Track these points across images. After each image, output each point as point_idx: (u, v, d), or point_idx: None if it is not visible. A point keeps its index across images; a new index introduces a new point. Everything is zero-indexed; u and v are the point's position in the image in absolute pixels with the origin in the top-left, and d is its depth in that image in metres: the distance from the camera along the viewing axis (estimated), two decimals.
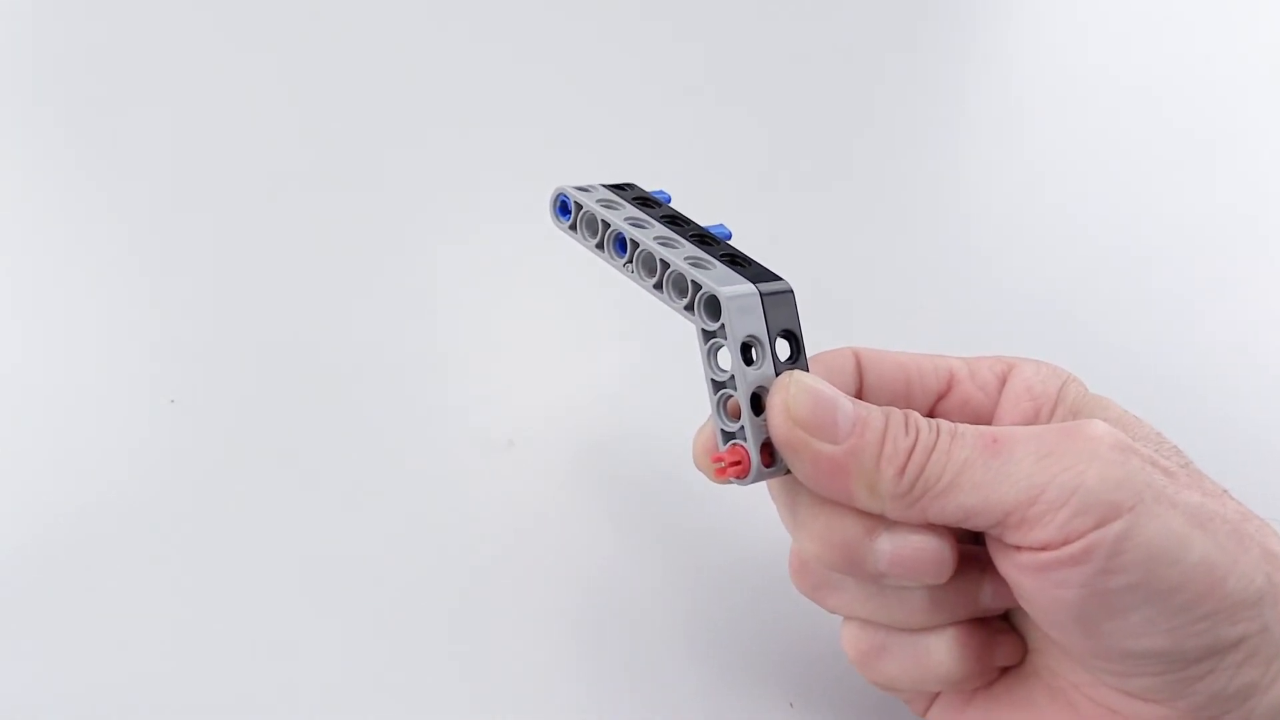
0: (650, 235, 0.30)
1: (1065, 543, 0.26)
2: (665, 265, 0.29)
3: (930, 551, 0.28)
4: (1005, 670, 0.32)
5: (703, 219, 0.32)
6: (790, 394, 0.28)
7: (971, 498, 0.27)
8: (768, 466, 0.29)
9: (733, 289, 0.28)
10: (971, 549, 0.30)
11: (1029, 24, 0.78)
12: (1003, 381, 0.32)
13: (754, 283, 0.29)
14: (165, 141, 0.58)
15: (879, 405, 0.29)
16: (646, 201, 0.32)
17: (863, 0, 0.77)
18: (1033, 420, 0.31)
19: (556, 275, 0.51)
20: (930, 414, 0.32)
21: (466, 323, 0.49)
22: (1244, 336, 0.50)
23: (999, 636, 0.31)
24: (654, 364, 0.46)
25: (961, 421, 0.31)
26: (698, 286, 0.29)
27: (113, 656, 0.35)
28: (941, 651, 0.30)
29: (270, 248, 0.51)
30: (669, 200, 0.33)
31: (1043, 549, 0.26)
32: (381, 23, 0.69)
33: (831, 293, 0.50)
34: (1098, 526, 0.26)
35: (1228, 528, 0.27)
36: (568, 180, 0.32)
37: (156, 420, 0.42)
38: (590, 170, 0.57)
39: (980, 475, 0.27)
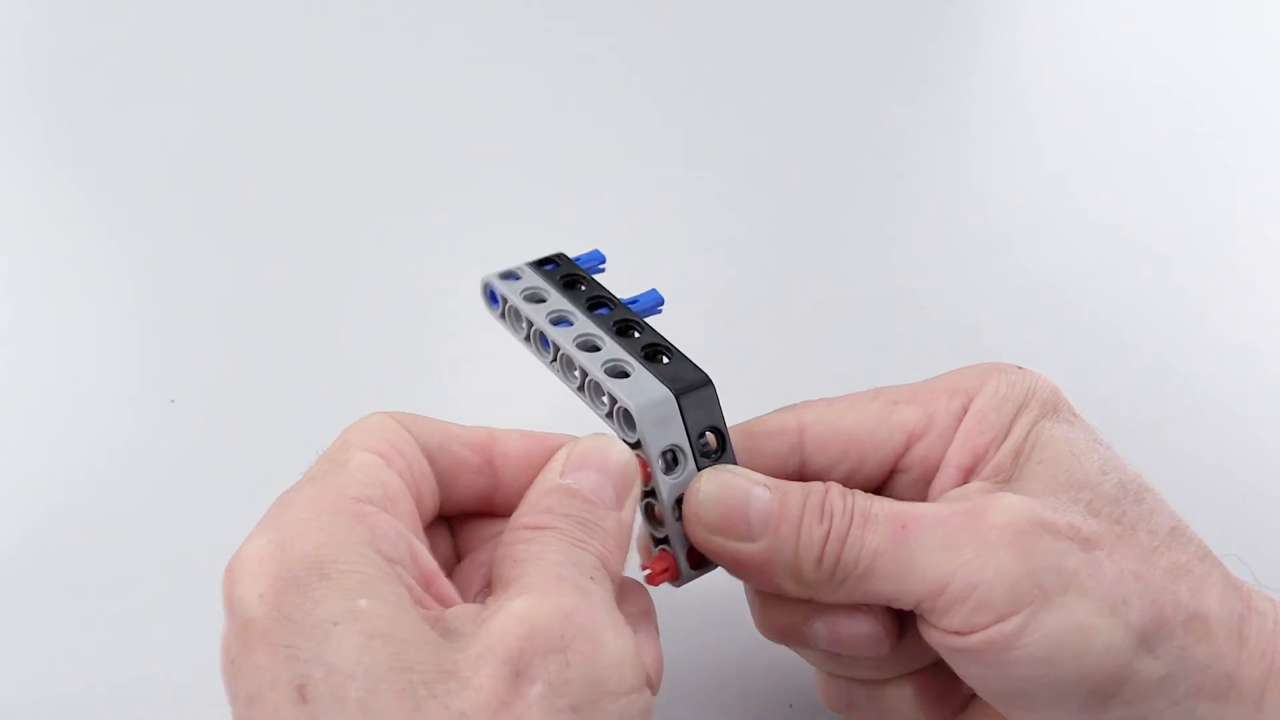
0: (571, 336, 0.29)
1: (971, 633, 0.27)
2: (585, 373, 0.29)
3: (864, 632, 0.29)
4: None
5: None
6: (699, 500, 0.28)
7: (886, 586, 0.28)
8: (695, 567, 0.29)
9: (646, 399, 0.27)
10: None
11: (1036, 19, 0.78)
12: (960, 419, 0.31)
13: (672, 383, 0.28)
14: (166, 142, 0.58)
15: (825, 473, 0.30)
16: (574, 280, 0.31)
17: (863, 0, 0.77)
18: (981, 457, 0.30)
19: None
20: (891, 472, 0.31)
21: (465, 324, 0.49)
22: (1251, 334, 0.50)
23: None
24: None
25: (920, 476, 0.31)
26: (614, 399, 0.28)
27: (112, 656, 0.35)
28: (904, 701, 0.31)
29: (270, 250, 0.52)
30: (603, 261, 0.32)
31: (955, 634, 0.27)
32: (381, 24, 0.70)
33: (841, 288, 0.49)
34: (996, 622, 0.26)
35: (1146, 601, 0.27)
36: (523, 250, 0.32)
37: (156, 420, 0.43)
38: (592, 171, 0.58)
39: (890, 566, 0.27)
